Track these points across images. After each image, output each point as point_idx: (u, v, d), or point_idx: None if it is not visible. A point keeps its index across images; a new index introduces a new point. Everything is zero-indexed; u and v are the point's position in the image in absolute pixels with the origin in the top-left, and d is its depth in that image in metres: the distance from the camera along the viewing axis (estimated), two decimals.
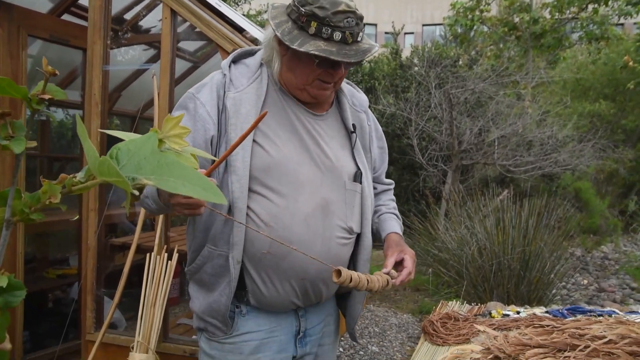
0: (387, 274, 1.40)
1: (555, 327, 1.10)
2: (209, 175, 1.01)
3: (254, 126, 0.97)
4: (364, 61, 9.86)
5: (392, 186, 1.76)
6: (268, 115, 1.40)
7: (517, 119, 6.89)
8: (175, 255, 2.69)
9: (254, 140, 1.36)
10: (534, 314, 1.82)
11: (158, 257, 2.66)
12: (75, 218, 3.43)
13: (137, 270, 3.04)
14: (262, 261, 1.36)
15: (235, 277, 1.35)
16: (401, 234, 1.59)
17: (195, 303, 1.47)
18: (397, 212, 1.68)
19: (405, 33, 27.75)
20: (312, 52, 1.28)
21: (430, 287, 5.10)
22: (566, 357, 0.96)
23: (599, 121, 11.18)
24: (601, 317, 1.11)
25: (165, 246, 2.73)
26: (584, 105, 11.76)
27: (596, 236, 9.10)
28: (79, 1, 3.81)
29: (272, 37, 1.41)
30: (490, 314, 1.90)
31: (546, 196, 6.01)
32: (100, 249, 2.88)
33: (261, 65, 1.45)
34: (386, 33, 13.18)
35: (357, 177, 1.47)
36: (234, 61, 1.47)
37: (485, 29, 13.16)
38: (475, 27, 12.83)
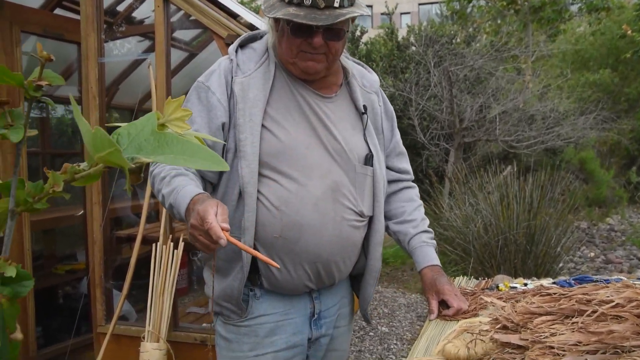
0: (444, 315, 1.43)
1: (563, 295, 1.09)
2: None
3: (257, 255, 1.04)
4: (361, 43, 9.80)
5: (411, 179, 1.69)
6: (276, 99, 1.38)
7: (518, 94, 6.85)
8: (181, 244, 2.70)
9: (262, 125, 1.34)
10: (542, 285, 1.82)
11: (164, 246, 2.67)
12: (80, 213, 3.44)
13: (145, 261, 3.05)
14: (274, 245, 1.35)
15: (247, 262, 1.35)
16: (435, 262, 1.55)
17: (209, 288, 1.47)
18: (426, 224, 1.62)
19: (402, 13, 27.57)
20: (278, 16, 1.26)
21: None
22: (574, 322, 0.96)
23: (601, 92, 11.10)
24: (609, 283, 1.11)
25: (171, 236, 2.73)
26: (586, 76, 11.69)
27: (602, 208, 9.10)
28: None
29: (270, 20, 1.38)
30: (497, 287, 1.90)
31: (550, 170, 6.00)
32: (106, 242, 2.90)
33: (267, 49, 1.43)
34: (382, 14, 13.03)
35: (368, 159, 1.45)
36: (241, 46, 1.45)
37: (483, 3, 13.04)
38: (472, 3, 12.71)
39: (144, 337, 2.57)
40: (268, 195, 1.34)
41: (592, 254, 6.68)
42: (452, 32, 9.27)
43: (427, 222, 1.64)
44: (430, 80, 6.87)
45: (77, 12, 3.77)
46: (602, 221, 8.26)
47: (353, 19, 1.37)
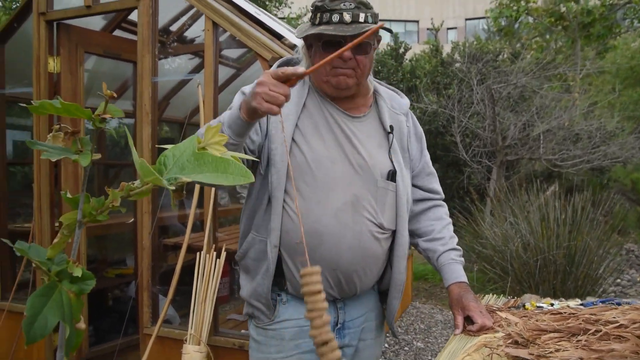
0: (468, 330, 1.47)
1: (572, 314, 1.16)
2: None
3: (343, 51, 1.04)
4: (405, 59, 9.86)
5: (441, 198, 1.76)
6: (307, 117, 1.51)
7: (563, 112, 6.74)
8: (223, 254, 2.85)
9: (292, 139, 1.47)
10: (568, 306, 1.85)
11: (207, 255, 2.82)
12: (131, 221, 3.65)
13: (189, 268, 3.22)
14: (296, 251, 1.47)
15: (272, 260, 1.47)
16: (462, 279, 1.60)
17: (243, 290, 1.60)
18: (454, 242, 1.67)
19: (448, 28, 27.42)
20: (309, 33, 1.43)
21: (475, 284, 5.09)
22: (579, 340, 1.03)
23: None
24: (619, 305, 1.16)
25: (214, 245, 2.89)
26: None
27: None
28: (129, 17, 4.06)
29: (304, 47, 1.53)
30: (524, 306, 1.94)
31: (596, 190, 5.85)
32: (154, 249, 3.08)
33: None
34: (428, 29, 13.03)
35: (391, 175, 1.54)
36: (279, 67, 1.60)
37: (531, 20, 12.85)
38: (520, 19, 12.54)
39: (186, 340, 2.72)
40: (292, 204, 1.45)
41: None
42: (496, 49, 9.21)
43: (456, 239, 1.70)
44: (473, 97, 6.86)
45: (134, 33, 4.04)
46: None
47: (379, 40, 1.55)
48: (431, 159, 1.81)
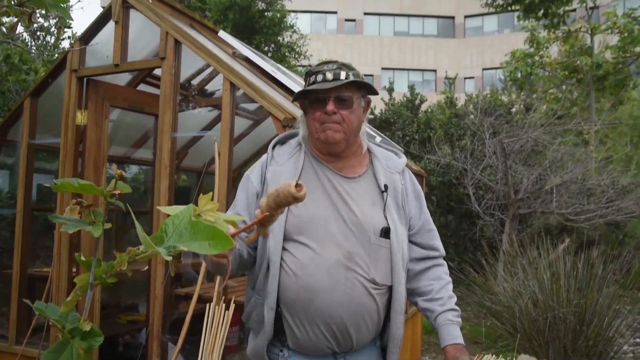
0: None
1: None
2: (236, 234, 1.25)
3: (256, 222, 1.21)
4: (420, 111, 10.04)
5: (439, 255, 1.80)
6: (303, 182, 1.62)
7: (575, 166, 6.77)
8: (232, 305, 2.91)
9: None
10: None
11: (217, 307, 2.89)
12: (145, 269, 3.75)
13: (200, 317, 3.28)
14: (292, 306, 1.55)
15: (268, 322, 1.56)
16: (457, 340, 1.62)
17: (248, 347, 1.71)
18: (452, 303, 1.70)
19: (465, 78, 27.84)
20: (297, 92, 1.63)
21: (484, 340, 5.04)
22: None
23: None
24: None
25: (224, 297, 2.96)
26: None
27: None
28: (153, 72, 4.28)
29: (302, 114, 1.72)
30: None
31: (613, 245, 5.79)
32: (166, 298, 3.16)
33: (300, 142, 1.72)
34: (446, 78, 13.27)
35: (384, 232, 1.62)
36: (282, 142, 1.76)
37: (545, 73, 13.03)
38: (535, 72, 12.72)
39: None
40: (288, 262, 1.56)
41: None
42: (510, 101, 9.34)
43: (454, 299, 1.73)
44: (485, 150, 6.96)
45: (157, 87, 4.26)
46: None
47: (367, 101, 1.70)
48: (445, 210, 1.90)
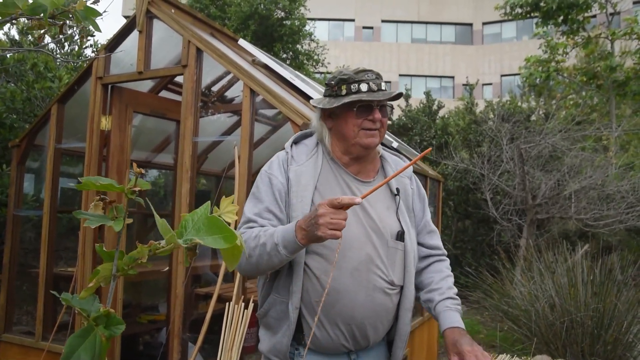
0: None
1: None
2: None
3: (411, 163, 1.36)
4: (437, 117, 10.06)
5: (442, 253, 1.88)
6: (323, 183, 1.69)
7: (595, 171, 6.73)
8: (251, 305, 2.98)
9: (312, 202, 1.64)
10: None
11: (236, 306, 2.97)
12: (166, 269, 3.85)
13: (219, 317, 3.36)
14: (315, 308, 1.61)
15: (293, 321, 1.61)
16: (457, 324, 1.64)
17: (262, 344, 1.73)
18: (452, 292, 1.74)
19: (484, 84, 27.68)
20: (347, 100, 1.64)
21: (499, 343, 5.03)
22: None
23: None
24: None
25: (243, 296, 3.04)
26: None
27: None
28: (175, 79, 4.41)
29: (319, 117, 1.75)
30: None
31: (633, 251, 5.73)
32: (187, 298, 3.25)
33: (317, 144, 1.77)
34: (463, 85, 13.27)
35: (400, 235, 1.70)
36: (295, 142, 1.81)
37: (564, 78, 12.93)
38: (552, 78, 12.63)
39: None
40: (312, 265, 1.60)
41: None
42: (529, 108, 9.30)
43: (454, 290, 1.78)
44: (503, 156, 6.95)
45: (178, 93, 4.38)
46: None
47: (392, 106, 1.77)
48: (462, 215, 1.95)
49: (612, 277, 4.14)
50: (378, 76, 1.69)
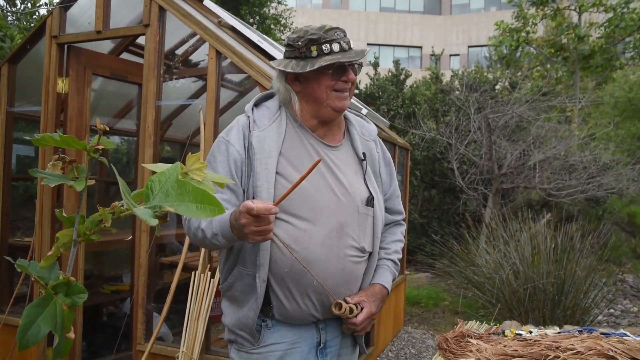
0: (345, 308, 1.58)
1: (537, 341, 1.24)
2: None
3: (308, 173, 1.26)
4: (405, 86, 10.04)
5: (402, 218, 1.89)
6: (289, 149, 1.61)
7: (558, 142, 6.86)
8: (217, 274, 2.92)
9: (277, 172, 1.56)
10: (545, 334, 1.92)
11: (202, 275, 2.90)
12: (129, 239, 3.74)
13: (184, 287, 3.30)
14: (284, 279, 1.55)
15: (261, 294, 1.55)
16: (388, 285, 1.70)
17: (226, 317, 1.66)
18: (396, 257, 1.78)
19: (451, 55, 27.81)
20: (325, 64, 1.54)
21: (461, 309, 5.14)
22: None
23: None
24: (578, 334, 1.24)
25: (209, 265, 2.97)
26: (638, 126, 11.44)
27: None
28: (136, 40, 4.20)
29: (284, 81, 1.63)
30: (504, 333, 2.02)
31: (591, 220, 5.92)
32: (151, 267, 3.16)
33: (280, 106, 1.67)
34: (431, 55, 13.27)
35: (370, 201, 1.65)
36: (256, 104, 1.69)
37: (532, 49, 13.07)
38: (520, 48, 12.74)
39: (177, 357, 2.78)
40: (281, 234, 1.53)
41: (636, 309, 6.50)
42: (495, 78, 9.36)
43: (399, 256, 1.82)
44: (470, 125, 6.99)
45: (140, 56, 4.18)
46: None
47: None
48: (429, 184, 1.94)
49: (573, 246, 4.25)
50: (344, 33, 1.61)
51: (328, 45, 1.55)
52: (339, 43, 1.56)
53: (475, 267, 4.70)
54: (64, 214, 0.87)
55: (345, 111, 1.75)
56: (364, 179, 1.68)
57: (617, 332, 2.07)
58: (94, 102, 4.45)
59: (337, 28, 1.60)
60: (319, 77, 1.58)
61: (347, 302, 1.58)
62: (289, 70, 1.58)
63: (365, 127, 1.79)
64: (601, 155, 7.02)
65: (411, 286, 6.84)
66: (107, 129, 0.90)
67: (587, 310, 4.33)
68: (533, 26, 12.66)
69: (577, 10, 12.24)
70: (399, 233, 1.86)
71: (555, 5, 12.40)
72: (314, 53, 1.55)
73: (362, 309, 1.61)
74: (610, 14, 11.68)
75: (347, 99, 1.62)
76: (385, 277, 1.71)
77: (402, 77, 10.10)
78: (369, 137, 1.76)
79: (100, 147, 0.88)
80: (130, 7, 3.63)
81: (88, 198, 4.30)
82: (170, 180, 0.80)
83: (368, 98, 9.67)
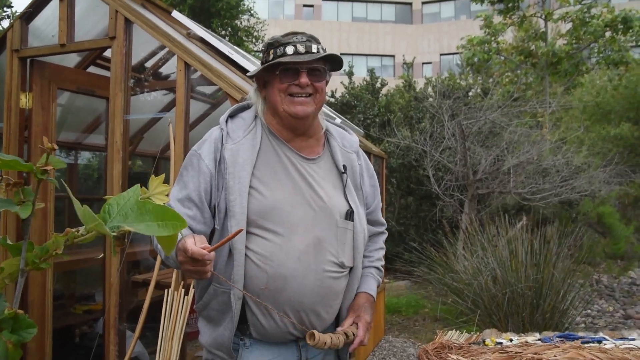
0: (345, 333, 1.56)
1: (518, 353, 1.20)
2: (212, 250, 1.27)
3: (230, 239, 1.19)
4: (381, 95, 10.09)
5: (384, 228, 1.87)
6: (263, 162, 1.55)
7: (532, 147, 6.95)
8: (192, 290, 2.84)
9: (250, 186, 1.50)
10: (526, 342, 1.90)
11: (175, 292, 2.81)
12: (100, 256, 3.62)
13: (159, 304, 3.20)
14: (260, 296, 1.49)
15: (236, 312, 1.49)
16: (373, 292, 1.68)
17: (203, 337, 1.60)
18: (379, 264, 1.77)
19: (423, 63, 28.15)
20: (267, 64, 1.52)
21: (439, 315, 5.13)
22: None
23: (622, 145, 11.09)
24: (561, 344, 1.22)
25: (182, 282, 2.88)
26: (608, 129, 11.71)
27: (624, 261, 8.96)
28: (103, 54, 4.10)
29: (255, 88, 1.62)
30: (484, 342, 1.99)
31: (565, 223, 5.99)
32: (122, 286, 3.06)
33: (256, 117, 1.62)
34: (404, 64, 13.39)
35: (349, 215, 1.60)
36: (231, 116, 1.63)
37: (502, 58, 13.30)
38: (492, 59, 12.97)
39: None
40: (256, 250, 1.47)
41: (612, 309, 6.58)
42: (468, 85, 9.47)
43: (382, 263, 1.80)
44: (444, 132, 7.04)
45: (108, 69, 4.08)
46: (624, 275, 8.15)
47: (326, 81, 1.61)
48: (405, 192, 1.92)
49: (550, 249, 4.28)
50: (310, 39, 1.55)
51: (282, 48, 1.52)
52: (294, 46, 1.51)
53: (454, 274, 4.69)
54: (8, 241, 0.79)
55: (326, 122, 1.71)
56: (344, 192, 1.62)
57: (597, 336, 2.06)
58: (61, 117, 4.34)
59: (303, 33, 1.56)
60: (273, 81, 1.55)
61: (342, 327, 1.57)
62: (249, 74, 1.60)
63: (346, 138, 1.74)
64: (573, 159, 7.14)
65: (391, 294, 6.81)
66: (56, 147, 0.83)
67: (565, 312, 4.36)
68: (502, 35, 12.91)
69: (544, 17, 12.51)
70: (381, 241, 1.84)
71: (522, 13, 12.65)
72: (271, 57, 1.54)
73: (357, 325, 1.60)
74: (577, 23, 11.97)
75: (304, 104, 1.53)
76: (370, 285, 1.69)
77: (378, 85, 10.15)
78: (350, 148, 1.71)
79: (49, 167, 0.81)
80: (96, 19, 3.55)
81: (57, 214, 4.17)
82: (129, 202, 0.75)
83: (344, 107, 9.68)
